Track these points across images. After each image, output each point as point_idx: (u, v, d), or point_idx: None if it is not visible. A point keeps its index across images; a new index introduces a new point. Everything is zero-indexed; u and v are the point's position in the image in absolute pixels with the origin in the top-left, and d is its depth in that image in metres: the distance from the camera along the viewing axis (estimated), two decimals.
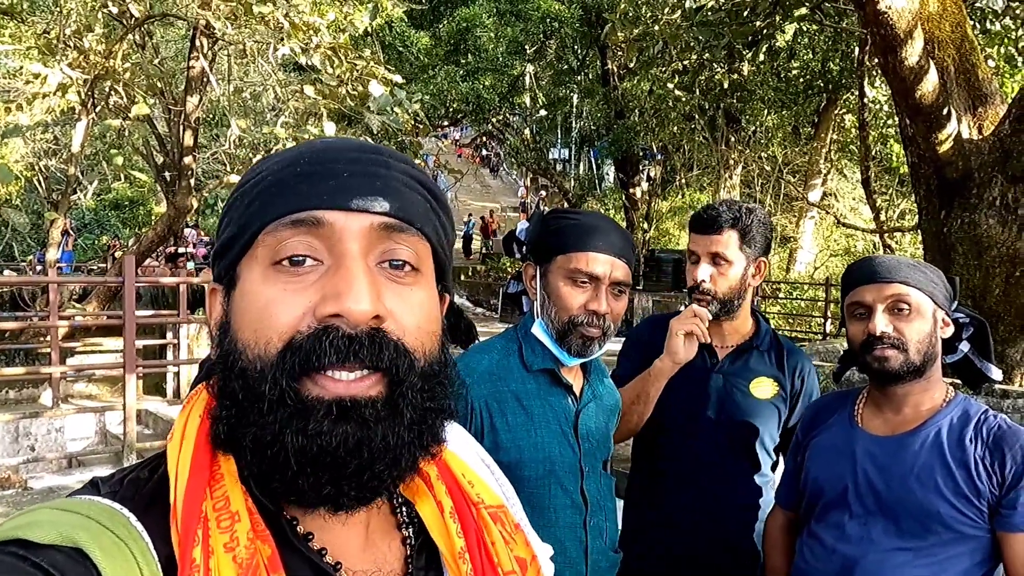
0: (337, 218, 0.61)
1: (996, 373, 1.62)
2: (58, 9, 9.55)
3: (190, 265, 14.66)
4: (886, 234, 9.60)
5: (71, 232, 19.63)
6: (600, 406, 1.60)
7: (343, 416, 0.58)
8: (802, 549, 1.64)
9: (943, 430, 1.50)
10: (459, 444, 0.80)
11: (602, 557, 1.53)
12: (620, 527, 1.72)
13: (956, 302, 1.63)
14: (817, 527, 1.61)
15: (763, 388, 1.90)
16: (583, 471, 1.51)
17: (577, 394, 1.56)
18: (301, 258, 0.61)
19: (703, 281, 1.87)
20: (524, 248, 1.62)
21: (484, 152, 34.34)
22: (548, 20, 17.29)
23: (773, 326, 2.07)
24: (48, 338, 7.73)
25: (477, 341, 0.86)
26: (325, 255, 0.61)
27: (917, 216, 4.72)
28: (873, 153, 10.30)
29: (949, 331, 1.58)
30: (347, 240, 0.61)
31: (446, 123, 20.99)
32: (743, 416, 1.89)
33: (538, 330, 1.52)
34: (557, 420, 1.50)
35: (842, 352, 1.78)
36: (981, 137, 4.13)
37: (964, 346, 1.63)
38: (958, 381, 1.74)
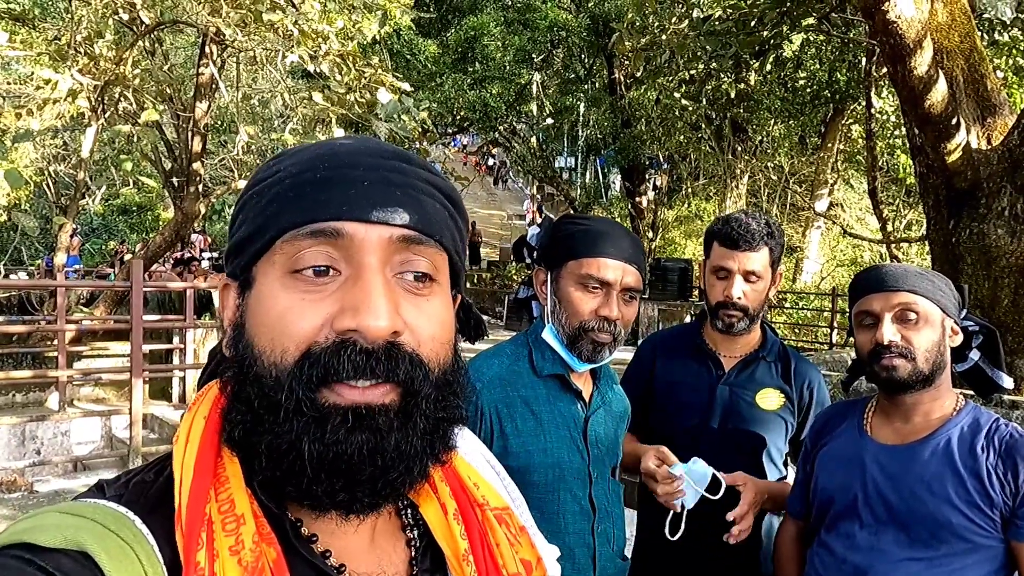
0: (357, 230, 0.60)
1: (1007, 381, 1.61)
2: (69, 16, 9.63)
3: (204, 264, 14.59)
4: (893, 244, 9.58)
5: (78, 236, 19.72)
6: (609, 412, 1.60)
7: (358, 424, 0.58)
8: (812, 559, 1.63)
9: (954, 439, 1.49)
10: (465, 446, 0.80)
11: (610, 564, 1.52)
12: (630, 535, 1.71)
13: (965, 310, 1.62)
14: (827, 536, 1.60)
15: (769, 399, 1.89)
16: (591, 477, 1.50)
17: (586, 400, 1.55)
18: (320, 268, 0.60)
19: (739, 298, 1.85)
20: (535, 253, 1.63)
21: (490, 162, 34.36)
22: (555, 29, 17.36)
23: (779, 336, 2.06)
24: (55, 342, 7.75)
25: (486, 336, 0.87)
26: (343, 265, 0.61)
27: (925, 226, 4.71)
28: (880, 163, 10.29)
29: (958, 339, 1.58)
30: (366, 252, 0.60)
31: (453, 131, 21.05)
32: (749, 428, 1.89)
33: (549, 335, 1.52)
34: (566, 426, 1.49)
35: (849, 361, 1.77)
36: (990, 147, 4.13)
37: (974, 354, 1.62)
38: (970, 392, 1.73)
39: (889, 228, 9.69)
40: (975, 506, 1.43)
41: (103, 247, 24.33)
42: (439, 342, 0.64)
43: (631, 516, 2.00)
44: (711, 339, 1.97)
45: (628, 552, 1.65)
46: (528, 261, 1.66)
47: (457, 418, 0.66)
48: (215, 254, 16.28)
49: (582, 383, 1.56)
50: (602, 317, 1.46)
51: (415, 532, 0.71)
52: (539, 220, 26.00)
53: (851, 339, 1.64)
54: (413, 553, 0.70)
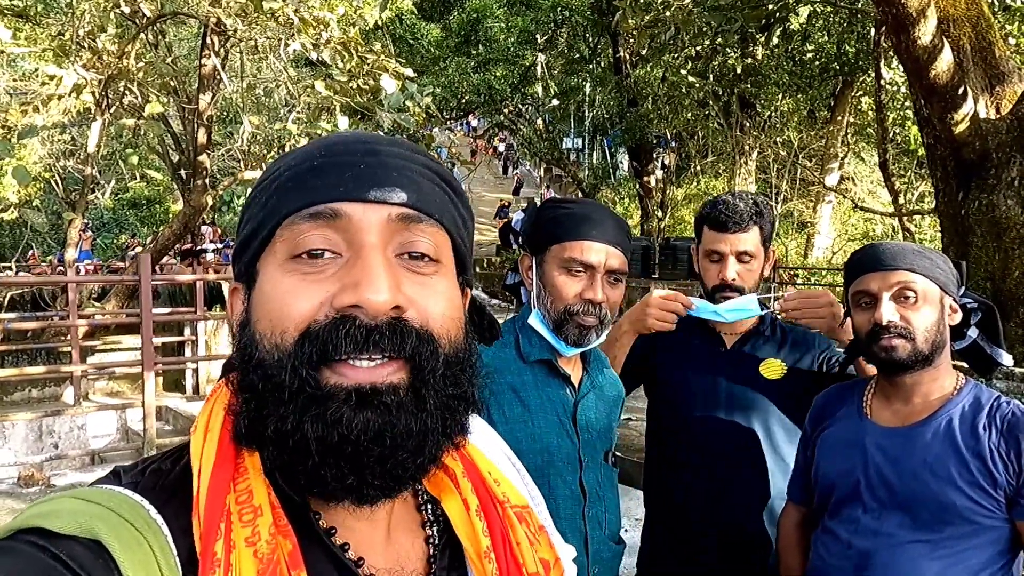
0: (355, 210, 0.60)
1: (1006, 358, 1.58)
2: (71, 11, 9.63)
3: (209, 257, 14.63)
4: (905, 217, 9.47)
5: (89, 230, 19.84)
6: (600, 397, 1.59)
7: (363, 403, 0.57)
8: (816, 545, 1.61)
9: (955, 419, 1.47)
10: (486, 442, 0.79)
11: (603, 547, 1.52)
12: (639, 519, 1.70)
13: (964, 287, 1.59)
14: (831, 522, 1.58)
15: (772, 369, 1.90)
16: (582, 462, 1.49)
17: (576, 385, 1.55)
18: (320, 251, 0.60)
19: (733, 280, 1.85)
20: (520, 239, 1.61)
21: (500, 148, 34.19)
22: (558, 9, 17.20)
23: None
24: (69, 337, 7.82)
25: (500, 336, 0.85)
26: (343, 247, 0.60)
27: (935, 199, 4.64)
28: (891, 135, 10.15)
29: (957, 318, 1.55)
30: (365, 232, 0.60)
31: (460, 114, 20.98)
32: (755, 398, 1.89)
33: (535, 321, 1.52)
34: (555, 411, 1.49)
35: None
36: (999, 116, 4.05)
37: (973, 332, 1.59)
38: (963, 364, 1.70)
39: (901, 201, 9.58)
40: (978, 487, 1.40)
41: (114, 241, 24.50)
42: (448, 318, 0.63)
43: (638, 497, 2.00)
44: None
45: (624, 535, 1.64)
46: (514, 247, 1.65)
47: (470, 398, 0.65)
48: (221, 244, 16.31)
49: (571, 368, 1.55)
50: (587, 300, 1.45)
51: (434, 529, 0.70)
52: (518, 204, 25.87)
53: (848, 319, 1.61)
54: (432, 550, 0.69)
